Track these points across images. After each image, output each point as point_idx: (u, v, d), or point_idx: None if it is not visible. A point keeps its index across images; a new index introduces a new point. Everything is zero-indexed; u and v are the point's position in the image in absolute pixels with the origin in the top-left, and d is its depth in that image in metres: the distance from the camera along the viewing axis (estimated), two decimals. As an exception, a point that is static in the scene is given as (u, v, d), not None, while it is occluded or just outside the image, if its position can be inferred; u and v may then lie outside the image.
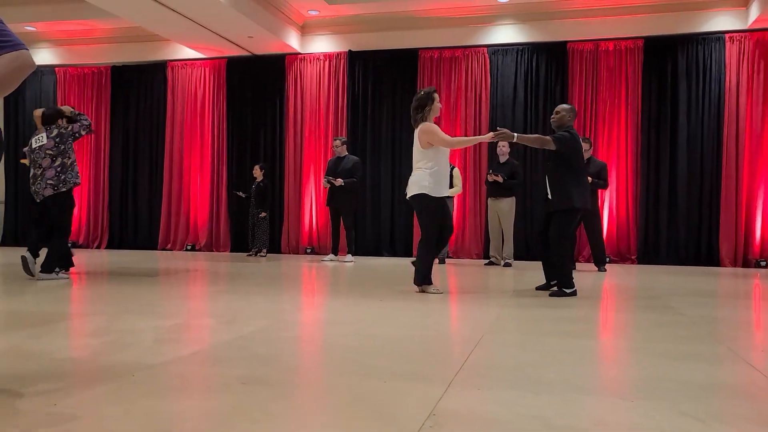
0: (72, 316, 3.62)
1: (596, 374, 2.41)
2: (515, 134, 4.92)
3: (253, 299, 4.44)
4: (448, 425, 1.76)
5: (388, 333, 3.19)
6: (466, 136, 9.81)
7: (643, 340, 3.10)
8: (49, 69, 11.62)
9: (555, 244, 4.90)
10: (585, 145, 7.66)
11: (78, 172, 5.85)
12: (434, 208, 4.91)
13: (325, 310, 4.02)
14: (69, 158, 5.75)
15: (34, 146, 5.75)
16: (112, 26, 10.88)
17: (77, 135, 5.81)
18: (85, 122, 5.87)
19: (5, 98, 11.85)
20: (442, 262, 8.57)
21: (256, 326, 3.31)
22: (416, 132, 4.99)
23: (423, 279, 4.92)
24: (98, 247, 11.31)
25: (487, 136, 5.03)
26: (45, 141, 5.69)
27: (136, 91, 11.37)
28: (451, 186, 8.48)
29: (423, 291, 4.91)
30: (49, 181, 5.64)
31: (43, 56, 11.53)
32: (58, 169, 5.66)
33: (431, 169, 4.90)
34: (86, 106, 11.49)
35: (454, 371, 2.38)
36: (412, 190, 4.98)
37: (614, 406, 1.97)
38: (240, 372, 2.32)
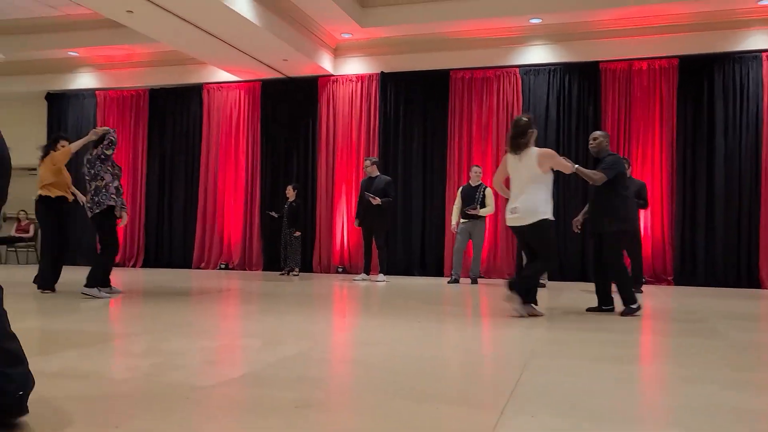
0: (118, 336, 3.69)
1: (649, 402, 2.38)
2: (575, 165, 4.93)
3: (292, 319, 4.47)
4: (507, 453, 1.75)
5: (432, 355, 3.19)
6: (501, 157, 9.82)
7: (694, 366, 3.04)
8: (90, 92, 11.97)
9: (613, 266, 4.95)
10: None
11: (112, 194, 5.98)
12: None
13: (364, 330, 4.03)
14: (102, 180, 5.96)
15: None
16: (151, 50, 11.18)
17: (103, 156, 6.00)
18: (108, 138, 6.07)
19: (48, 121, 12.23)
20: (474, 282, 8.53)
21: (299, 348, 3.33)
22: (526, 157, 4.83)
23: (527, 295, 4.81)
24: (134, 266, 11.52)
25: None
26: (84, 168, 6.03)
27: (173, 113, 11.63)
28: (484, 206, 8.49)
29: (525, 311, 4.79)
30: (87, 204, 5.96)
31: (85, 80, 11.89)
32: (92, 192, 5.91)
33: (547, 194, 4.85)
34: (125, 128, 11.78)
35: (505, 397, 2.37)
36: (530, 217, 4.80)
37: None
38: (291, 395, 2.33)
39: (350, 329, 4.11)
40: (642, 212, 8.85)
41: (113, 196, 5.93)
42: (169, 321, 4.33)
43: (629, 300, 4.97)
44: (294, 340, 3.61)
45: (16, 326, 2.00)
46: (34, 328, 3.92)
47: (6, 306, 1.94)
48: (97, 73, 11.90)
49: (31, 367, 2.74)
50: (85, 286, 5.74)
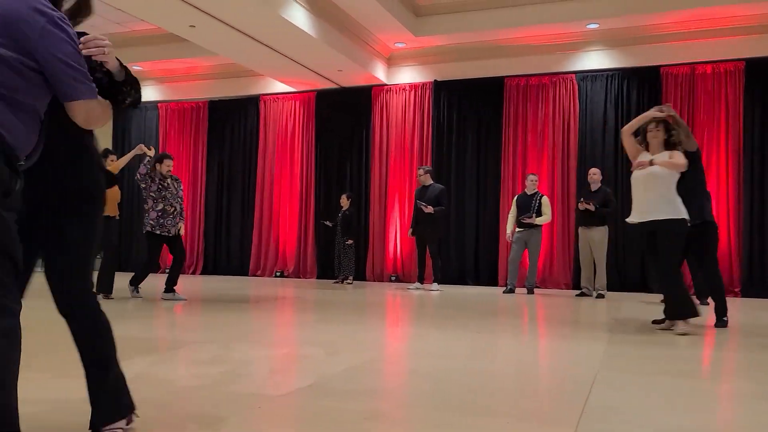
0: (184, 344, 3.79)
1: (725, 420, 2.28)
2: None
3: (352, 328, 4.50)
4: (585, 473, 1.72)
5: (496, 369, 3.15)
6: (557, 164, 9.70)
7: (766, 383, 2.91)
8: (153, 105, 12.41)
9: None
10: None
11: (151, 218, 6.48)
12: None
13: (425, 341, 4.02)
14: (146, 204, 6.55)
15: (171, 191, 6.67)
16: (210, 63, 11.51)
17: (139, 178, 6.51)
18: (147, 162, 6.55)
19: (113, 133, 12.73)
20: (530, 292, 8.40)
21: (362, 358, 3.35)
22: (671, 155, 4.62)
23: (681, 311, 4.57)
24: (194, 273, 11.84)
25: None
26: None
27: (231, 124, 11.93)
28: (540, 214, 8.36)
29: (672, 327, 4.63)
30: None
31: (148, 93, 12.32)
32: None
33: (678, 194, 4.66)
34: (185, 138, 12.16)
35: (577, 413, 2.32)
36: (669, 212, 4.57)
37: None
38: (361, 407, 2.35)
39: (411, 340, 4.11)
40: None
41: (151, 221, 6.42)
42: (232, 329, 4.42)
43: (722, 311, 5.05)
44: (356, 350, 3.64)
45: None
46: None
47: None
48: (160, 86, 12.33)
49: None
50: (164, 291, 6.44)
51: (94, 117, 1.75)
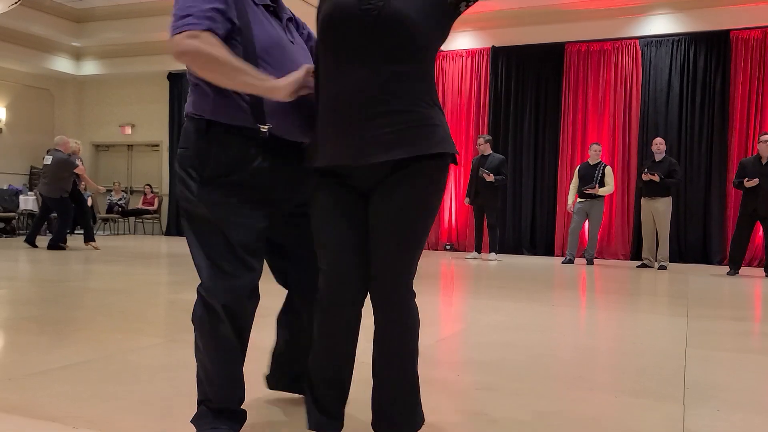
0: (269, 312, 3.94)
1: (838, 402, 2.30)
2: None
3: (428, 299, 4.61)
4: (712, 449, 1.78)
5: (584, 343, 3.21)
6: (618, 133, 9.52)
7: None
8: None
9: None
10: (766, 137, 7.18)
11: None
12: None
13: (503, 313, 4.09)
14: None
15: None
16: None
17: None
18: None
19: (170, 100, 12.99)
20: (590, 263, 8.37)
21: (451, 330, 3.45)
22: None
23: None
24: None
25: None
26: None
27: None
28: (603, 185, 8.27)
29: None
30: None
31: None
32: None
33: None
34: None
35: (680, 389, 2.37)
36: None
37: None
38: (469, 378, 2.45)
39: (490, 311, 4.19)
40: None
41: None
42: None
43: None
44: (441, 321, 3.74)
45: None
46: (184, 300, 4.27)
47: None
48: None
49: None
50: None
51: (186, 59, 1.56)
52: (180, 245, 9.66)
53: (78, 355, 2.65)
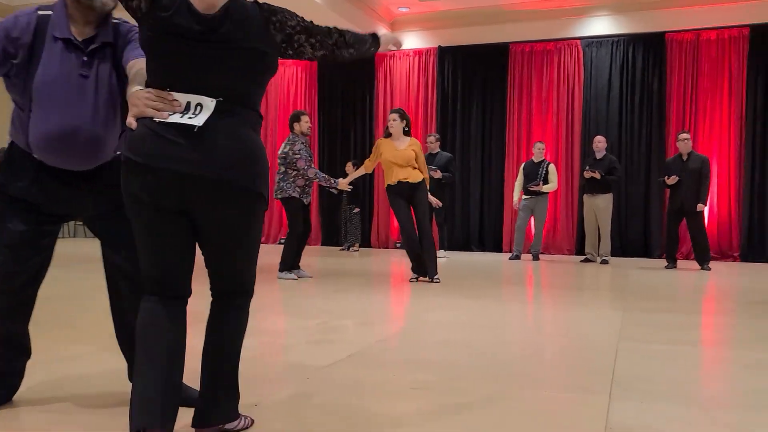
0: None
1: (753, 388, 2.42)
2: None
3: (373, 298, 4.63)
4: (632, 440, 1.85)
5: (524, 339, 3.28)
6: (562, 132, 9.74)
7: (787, 353, 3.05)
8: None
9: None
10: (684, 135, 7.48)
11: (299, 185, 5.84)
12: None
13: (449, 311, 4.14)
14: (289, 168, 5.87)
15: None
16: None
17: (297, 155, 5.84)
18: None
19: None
20: (536, 258, 8.55)
21: (394, 328, 3.48)
22: None
23: None
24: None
25: None
26: (282, 148, 5.94)
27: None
28: (547, 182, 8.46)
29: None
30: (274, 186, 6.03)
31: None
32: (281, 176, 5.87)
33: None
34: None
35: (608, 382, 2.46)
36: None
37: (789, 426, 2.00)
38: (406, 377, 2.47)
39: (435, 309, 4.23)
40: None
41: (298, 188, 5.85)
42: (255, 300, 4.53)
43: None
44: (385, 320, 3.76)
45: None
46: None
47: None
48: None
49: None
50: (279, 270, 5.92)
51: None
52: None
53: (3, 367, 2.55)
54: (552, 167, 8.51)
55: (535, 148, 8.64)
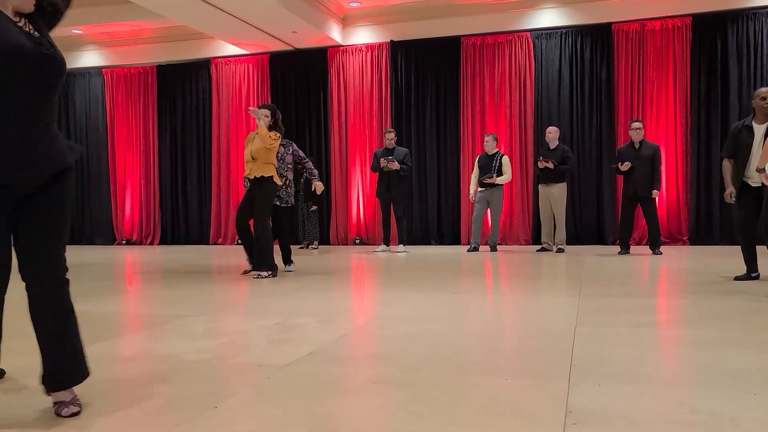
0: (173, 318, 3.80)
1: (704, 366, 2.48)
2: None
3: (332, 295, 4.59)
4: (591, 423, 1.87)
5: (483, 329, 3.30)
6: (515, 123, 9.85)
7: (741, 330, 3.15)
8: (97, 71, 11.91)
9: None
10: (637, 124, 7.67)
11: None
12: None
13: (408, 304, 4.14)
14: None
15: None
16: (157, 26, 11.09)
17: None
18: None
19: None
20: (493, 249, 8.65)
21: (353, 325, 3.45)
22: None
23: None
24: (151, 243, 11.64)
25: None
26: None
27: (182, 90, 11.59)
28: (501, 174, 8.55)
29: None
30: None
31: (90, 58, 11.82)
32: (288, 182, 6.38)
33: None
34: (134, 105, 11.77)
35: (567, 367, 2.49)
36: None
37: (745, 401, 2.05)
38: (366, 372, 2.45)
39: (394, 304, 4.23)
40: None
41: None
42: (214, 301, 4.44)
43: None
44: (344, 317, 3.73)
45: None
46: (83, 312, 4.04)
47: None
48: (103, 51, 11.83)
49: (104, 350, 2.86)
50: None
51: None
52: (75, 254, 9.12)
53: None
54: (506, 159, 8.62)
55: (485, 141, 8.75)
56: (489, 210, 8.73)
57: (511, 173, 8.79)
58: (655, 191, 7.57)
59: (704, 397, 2.08)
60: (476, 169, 8.71)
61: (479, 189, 8.66)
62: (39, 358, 2.07)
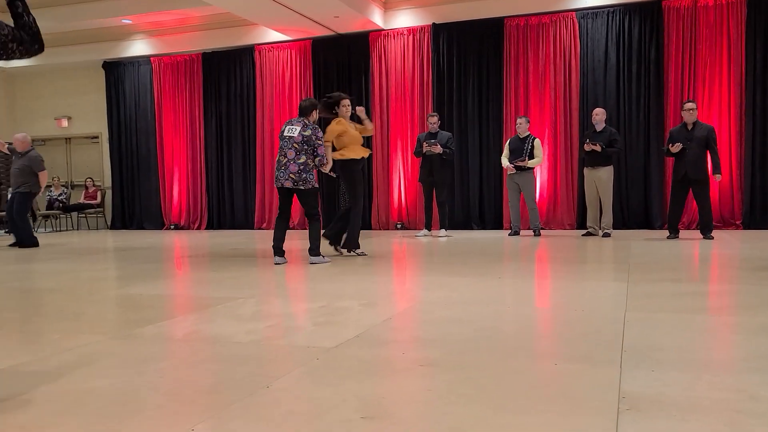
0: (222, 300, 3.89)
1: (763, 353, 2.41)
2: None
3: (378, 279, 4.61)
4: (646, 409, 1.83)
5: (529, 314, 3.27)
6: (556, 106, 9.67)
7: (795, 317, 3.04)
8: (145, 59, 12.18)
9: None
10: (690, 105, 7.43)
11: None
12: None
13: (453, 288, 4.13)
14: (313, 161, 5.75)
15: (285, 134, 5.77)
16: (202, 14, 11.24)
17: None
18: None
19: (107, 89, 12.54)
20: (536, 234, 8.53)
21: (398, 308, 3.47)
22: None
23: None
24: (198, 228, 11.90)
25: None
26: (295, 134, 5.67)
27: (226, 77, 11.76)
28: (532, 157, 8.44)
29: None
30: (291, 176, 5.64)
31: (140, 47, 12.08)
32: (301, 167, 5.64)
33: None
34: (180, 92, 12.00)
35: (618, 352, 2.45)
36: None
37: (802, 389, 1.98)
38: (413, 355, 2.46)
39: (438, 288, 4.22)
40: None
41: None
42: (260, 284, 4.52)
43: None
44: (389, 300, 3.75)
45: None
46: (135, 295, 4.16)
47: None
48: (151, 40, 12.07)
49: (156, 332, 2.95)
50: (311, 255, 5.82)
51: None
52: (126, 238, 9.41)
53: (10, 358, 2.55)
54: (537, 142, 8.50)
55: (516, 123, 8.64)
56: (522, 194, 8.63)
57: (543, 157, 8.68)
58: (717, 175, 7.34)
59: (764, 384, 2.02)
60: (507, 152, 8.66)
61: (509, 173, 8.60)
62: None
